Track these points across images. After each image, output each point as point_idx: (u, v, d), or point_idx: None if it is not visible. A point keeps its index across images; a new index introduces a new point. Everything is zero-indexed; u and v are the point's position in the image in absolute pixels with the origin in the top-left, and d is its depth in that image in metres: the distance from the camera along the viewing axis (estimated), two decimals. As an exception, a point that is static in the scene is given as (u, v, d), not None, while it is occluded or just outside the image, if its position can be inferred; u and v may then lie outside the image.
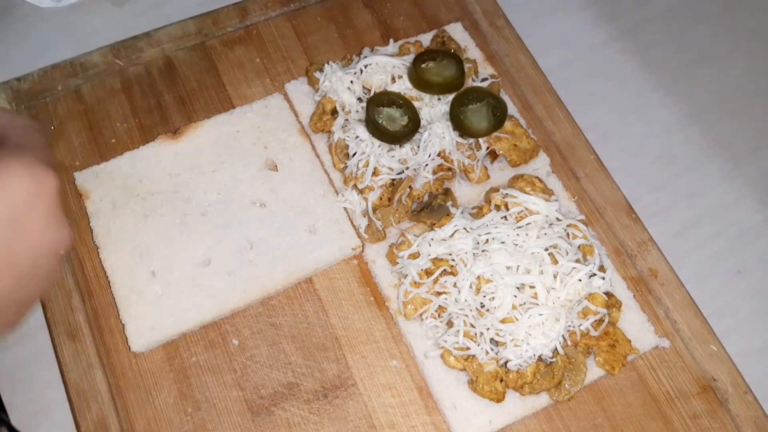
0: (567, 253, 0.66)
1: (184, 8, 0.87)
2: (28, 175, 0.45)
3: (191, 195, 0.73)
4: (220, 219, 0.72)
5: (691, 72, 0.90)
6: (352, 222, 0.73)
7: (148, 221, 0.71)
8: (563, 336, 0.64)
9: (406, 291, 0.67)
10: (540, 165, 0.77)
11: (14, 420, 0.65)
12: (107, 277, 0.69)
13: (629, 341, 0.67)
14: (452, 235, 0.67)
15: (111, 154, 0.75)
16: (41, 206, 0.46)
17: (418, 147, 0.72)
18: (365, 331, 0.69)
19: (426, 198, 0.72)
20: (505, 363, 0.64)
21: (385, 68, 0.76)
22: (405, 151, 0.72)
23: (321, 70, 0.78)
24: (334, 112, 0.76)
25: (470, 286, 0.64)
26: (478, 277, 0.64)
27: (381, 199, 0.71)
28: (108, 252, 0.70)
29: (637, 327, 0.69)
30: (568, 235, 0.68)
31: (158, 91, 0.80)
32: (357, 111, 0.75)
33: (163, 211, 0.72)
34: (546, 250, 0.66)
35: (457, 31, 0.84)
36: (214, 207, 0.72)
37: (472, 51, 0.83)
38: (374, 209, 0.71)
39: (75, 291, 0.70)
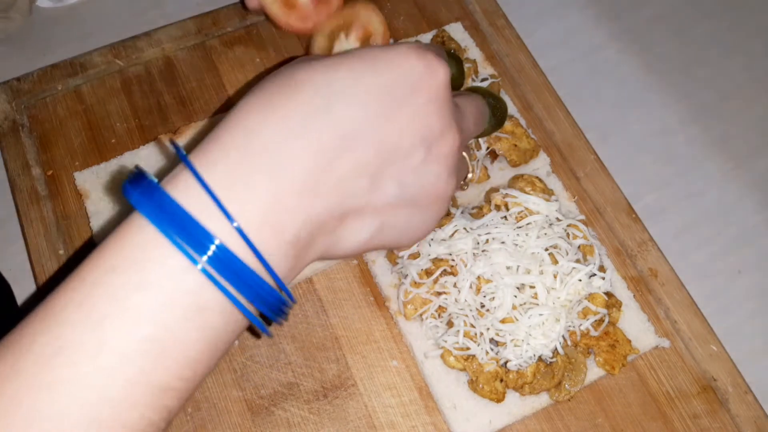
0: (567, 253, 0.66)
1: (184, 8, 0.87)
2: (417, 58, 0.42)
3: None
4: None
5: (691, 72, 0.90)
6: None
7: None
8: (563, 336, 0.64)
9: (406, 291, 0.67)
10: (540, 165, 0.77)
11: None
12: None
13: (629, 341, 0.67)
14: (452, 235, 0.67)
15: (111, 154, 0.75)
16: (425, 92, 0.42)
17: (418, 147, 0.72)
18: (365, 331, 0.69)
19: (426, 198, 0.72)
20: (505, 363, 0.64)
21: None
22: (405, 151, 0.72)
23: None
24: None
25: (470, 286, 0.64)
26: (478, 277, 0.64)
27: (381, 199, 0.71)
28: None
29: (637, 327, 0.69)
30: (568, 235, 0.68)
31: (158, 91, 0.80)
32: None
33: None
34: (546, 250, 0.66)
35: (457, 31, 0.84)
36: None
37: (472, 51, 0.83)
38: (374, 209, 0.71)
39: (75, 291, 0.70)
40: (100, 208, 0.72)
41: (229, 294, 0.36)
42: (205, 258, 0.35)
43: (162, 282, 0.35)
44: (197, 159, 0.38)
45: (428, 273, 0.66)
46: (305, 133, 0.39)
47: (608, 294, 0.68)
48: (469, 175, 0.57)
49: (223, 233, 0.36)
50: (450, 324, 0.65)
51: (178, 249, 0.35)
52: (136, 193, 0.37)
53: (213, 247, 0.35)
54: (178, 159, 0.38)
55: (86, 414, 0.33)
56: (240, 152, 0.38)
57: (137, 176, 0.38)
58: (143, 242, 0.36)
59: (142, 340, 0.34)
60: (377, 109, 0.41)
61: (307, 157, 0.38)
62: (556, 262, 0.65)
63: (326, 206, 0.40)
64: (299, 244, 0.39)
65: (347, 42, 0.72)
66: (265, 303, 0.38)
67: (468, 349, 0.63)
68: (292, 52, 0.83)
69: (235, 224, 0.36)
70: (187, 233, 0.35)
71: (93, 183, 0.73)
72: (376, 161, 0.41)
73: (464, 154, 0.53)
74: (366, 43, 0.71)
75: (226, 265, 0.36)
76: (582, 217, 0.73)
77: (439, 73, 0.43)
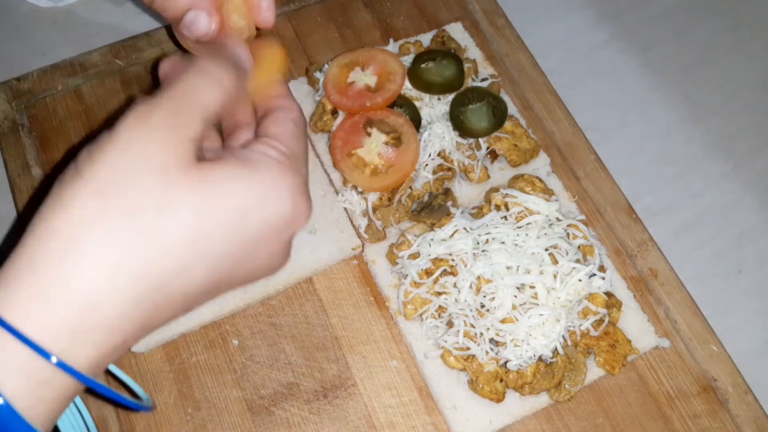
0: (567, 253, 0.66)
1: (184, 8, 0.87)
2: (290, 201, 0.42)
3: None
4: None
5: (691, 72, 0.89)
6: (352, 222, 0.73)
7: None
8: (563, 336, 0.64)
9: (406, 291, 0.67)
10: (540, 165, 0.77)
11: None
12: None
13: (629, 341, 0.67)
14: (452, 235, 0.67)
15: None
16: (284, 237, 0.44)
17: (418, 147, 0.72)
18: (365, 331, 0.69)
19: (426, 198, 0.72)
20: (505, 363, 0.64)
21: (385, 68, 0.76)
22: (405, 151, 0.72)
23: (321, 70, 0.78)
24: (335, 112, 0.76)
25: (470, 286, 0.64)
26: (478, 277, 0.64)
27: (381, 199, 0.71)
28: None
29: (637, 327, 0.69)
30: (568, 235, 0.68)
31: (158, 91, 0.80)
32: (357, 111, 0.75)
33: None
34: (546, 250, 0.66)
35: (457, 31, 0.84)
36: None
37: (472, 51, 0.83)
38: (374, 209, 0.71)
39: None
40: None
41: None
42: None
43: None
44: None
45: (428, 273, 0.66)
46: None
47: (608, 294, 0.67)
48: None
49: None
50: (450, 324, 0.65)
51: None
52: None
53: None
54: None
55: None
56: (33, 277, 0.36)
57: None
58: None
59: None
60: (236, 255, 0.41)
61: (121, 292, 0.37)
62: (556, 262, 0.65)
63: (144, 328, 0.39)
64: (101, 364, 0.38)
65: (363, 74, 0.74)
66: None
67: (468, 349, 0.63)
68: (293, 53, 0.83)
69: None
70: None
71: None
72: (206, 296, 0.42)
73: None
74: (385, 79, 0.73)
75: None
76: (582, 217, 0.73)
77: (302, 220, 0.44)
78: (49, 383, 0.35)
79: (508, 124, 0.75)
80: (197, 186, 0.38)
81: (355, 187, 0.72)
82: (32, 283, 0.35)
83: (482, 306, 0.64)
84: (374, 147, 0.70)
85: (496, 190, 0.72)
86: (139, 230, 0.36)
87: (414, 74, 0.75)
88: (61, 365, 0.35)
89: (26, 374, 0.35)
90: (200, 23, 0.54)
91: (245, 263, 0.42)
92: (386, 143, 0.70)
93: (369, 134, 0.71)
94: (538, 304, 0.63)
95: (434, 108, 0.74)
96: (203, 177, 0.39)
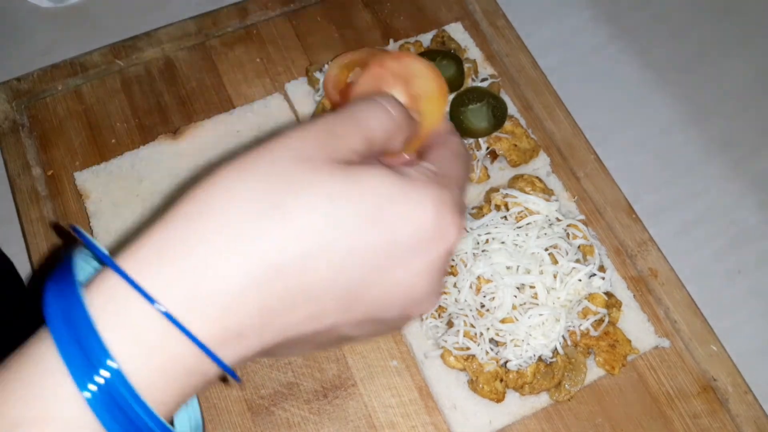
0: (567, 253, 0.66)
1: (184, 8, 0.87)
2: (433, 212, 0.38)
3: None
4: None
5: (691, 72, 0.90)
6: None
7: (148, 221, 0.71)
8: (563, 336, 0.64)
9: (406, 291, 0.66)
10: (540, 165, 0.77)
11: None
12: None
13: (629, 341, 0.67)
14: (452, 235, 0.67)
15: (111, 154, 0.76)
16: (427, 255, 0.38)
17: (418, 147, 0.72)
18: (365, 331, 0.69)
19: (426, 198, 0.72)
20: (505, 363, 0.64)
21: (385, 68, 0.76)
22: (405, 151, 0.72)
23: (321, 70, 0.78)
24: (334, 112, 0.75)
25: (470, 286, 0.64)
26: (478, 277, 0.64)
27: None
28: (108, 252, 0.70)
29: (637, 327, 0.69)
30: (568, 235, 0.68)
31: (158, 91, 0.80)
32: (357, 111, 0.75)
33: (163, 212, 0.72)
34: (546, 250, 0.66)
35: (457, 31, 0.84)
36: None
37: (472, 51, 0.83)
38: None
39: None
40: (100, 207, 0.72)
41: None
42: (89, 391, 0.31)
43: (34, 403, 0.31)
44: (125, 258, 0.34)
45: (428, 273, 0.66)
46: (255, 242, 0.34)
47: (608, 294, 0.68)
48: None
49: (124, 350, 0.32)
50: (450, 324, 0.65)
51: (68, 371, 0.31)
52: (51, 290, 0.33)
53: (103, 378, 0.31)
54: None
55: None
56: (174, 257, 0.34)
57: (65, 264, 0.33)
58: (36, 353, 0.32)
59: None
60: (371, 261, 0.37)
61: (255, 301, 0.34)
62: (556, 262, 0.65)
63: (260, 344, 0.35)
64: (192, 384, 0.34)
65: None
66: None
67: (468, 349, 0.63)
68: (293, 53, 0.83)
69: (163, 312, 0.32)
70: (83, 351, 0.31)
71: (93, 183, 0.73)
72: (336, 314, 0.37)
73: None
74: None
75: (113, 400, 0.31)
76: (582, 217, 0.73)
77: (449, 238, 0.39)
78: (174, 362, 0.33)
79: (508, 124, 0.75)
80: (339, 175, 0.36)
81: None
82: (172, 260, 0.34)
83: (482, 306, 0.64)
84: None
85: (496, 190, 0.72)
86: (273, 210, 0.34)
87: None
88: (200, 345, 0.32)
89: (149, 348, 0.32)
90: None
91: (379, 274, 0.37)
92: None
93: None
94: (538, 304, 0.63)
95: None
96: (347, 170, 0.37)
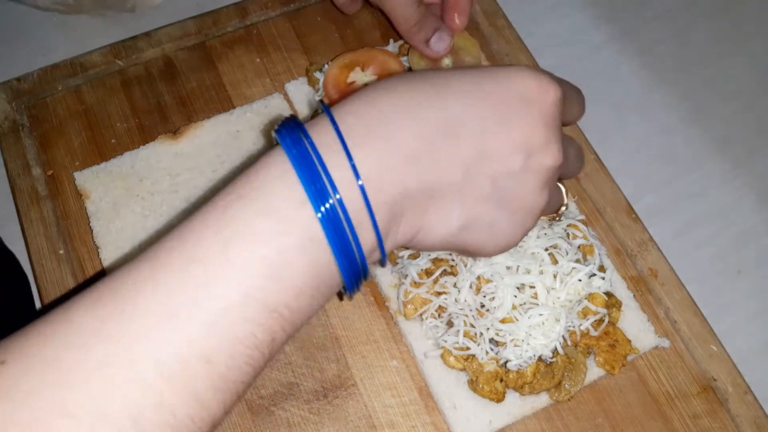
0: (567, 253, 0.66)
1: (184, 8, 0.87)
2: (533, 78, 0.46)
3: (191, 195, 0.73)
4: None
5: (691, 72, 0.90)
6: None
7: (149, 221, 0.71)
8: (563, 336, 0.64)
9: (406, 291, 0.67)
10: (540, 165, 0.77)
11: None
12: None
13: (629, 341, 0.67)
14: (452, 235, 0.67)
15: (111, 154, 0.76)
16: (536, 108, 0.45)
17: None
18: (365, 331, 0.69)
19: (426, 198, 0.72)
20: (505, 363, 0.64)
21: (385, 68, 0.76)
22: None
23: (321, 70, 0.78)
24: (334, 112, 0.76)
25: (470, 286, 0.64)
26: (478, 278, 0.64)
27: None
28: (108, 252, 0.70)
29: (637, 327, 0.69)
30: (568, 235, 0.68)
31: (158, 91, 0.80)
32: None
33: (164, 212, 0.72)
34: (546, 250, 0.66)
35: (457, 31, 0.84)
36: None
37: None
38: (374, 209, 0.71)
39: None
40: (100, 207, 0.72)
41: (333, 242, 0.40)
42: (323, 208, 0.39)
43: (283, 213, 0.39)
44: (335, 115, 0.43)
45: (428, 273, 0.66)
46: (416, 112, 0.43)
47: (608, 294, 0.68)
48: (563, 208, 0.61)
49: (344, 185, 0.40)
50: (450, 324, 0.65)
51: (305, 190, 0.39)
52: (284, 131, 0.41)
53: (332, 201, 0.39)
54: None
55: (204, 319, 0.37)
56: (360, 119, 0.42)
57: (289, 119, 0.42)
58: (276, 174, 0.40)
59: (260, 259, 0.38)
60: (487, 112, 0.44)
61: (414, 132, 0.42)
62: (556, 262, 0.65)
63: (422, 180, 0.43)
64: (393, 210, 0.42)
65: (363, 74, 0.74)
66: (351, 267, 0.41)
67: (468, 349, 0.63)
68: (293, 53, 0.83)
69: (360, 182, 0.40)
70: (316, 178, 0.39)
71: (93, 183, 0.73)
72: (475, 155, 0.44)
73: (560, 185, 0.57)
74: (385, 78, 0.73)
75: (337, 221, 0.40)
76: (582, 217, 0.73)
77: (551, 93, 0.46)
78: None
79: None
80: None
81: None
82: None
83: (482, 306, 0.64)
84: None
85: (496, 190, 0.72)
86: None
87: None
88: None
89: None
90: (445, 43, 0.75)
91: (496, 116, 0.45)
92: None
93: None
94: (538, 304, 0.63)
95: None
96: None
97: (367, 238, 0.42)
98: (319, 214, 0.39)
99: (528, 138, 0.45)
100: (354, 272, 0.42)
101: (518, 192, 0.46)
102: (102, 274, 0.70)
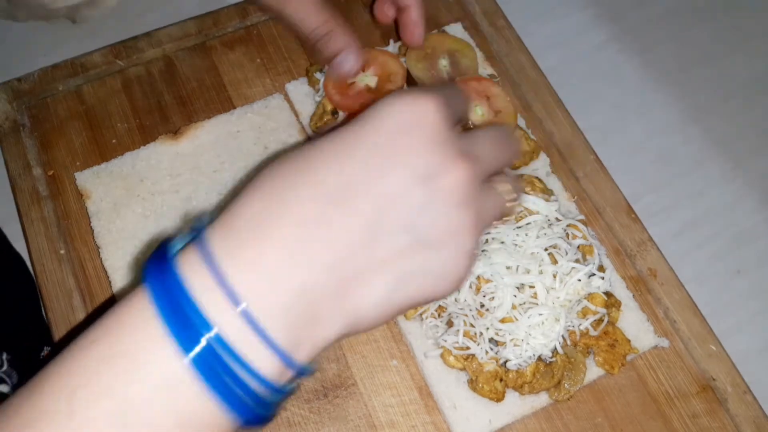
0: (566, 253, 0.66)
1: (184, 8, 0.87)
2: (403, 103, 0.41)
3: (192, 196, 0.73)
4: None
5: (691, 72, 0.90)
6: None
7: (150, 222, 0.71)
8: (563, 336, 0.65)
9: (406, 291, 0.67)
10: (539, 165, 0.77)
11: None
12: (108, 278, 0.69)
13: (629, 341, 0.67)
14: (452, 235, 0.67)
15: (112, 154, 0.76)
16: (415, 134, 0.40)
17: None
18: (365, 330, 0.69)
19: (426, 198, 0.73)
20: (505, 363, 0.64)
21: (385, 68, 0.76)
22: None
23: (321, 71, 0.78)
24: (335, 112, 0.76)
25: (470, 286, 0.64)
26: (478, 277, 0.64)
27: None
28: (109, 252, 0.70)
29: (636, 327, 0.69)
30: (567, 235, 0.68)
31: (159, 92, 0.80)
32: (357, 111, 0.75)
33: (165, 212, 0.72)
34: (546, 250, 0.66)
35: (457, 32, 0.84)
36: (215, 208, 0.72)
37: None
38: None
39: (76, 291, 0.70)
40: (100, 208, 0.72)
41: (212, 387, 0.35)
42: (196, 345, 0.35)
43: (134, 357, 0.35)
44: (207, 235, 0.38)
45: (428, 273, 0.66)
46: (290, 196, 0.38)
47: (607, 294, 0.68)
48: (513, 204, 0.50)
49: (221, 312, 0.35)
50: (450, 324, 0.66)
51: (168, 327, 0.35)
52: (150, 261, 0.37)
53: (208, 336, 0.35)
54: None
55: None
56: (232, 230, 0.38)
57: (160, 245, 0.38)
58: (135, 313, 0.36)
59: (104, 413, 0.35)
60: (366, 160, 0.40)
61: (294, 219, 0.38)
62: (555, 262, 0.65)
63: (321, 265, 0.38)
64: (300, 313, 0.37)
65: (364, 75, 0.75)
66: (247, 406, 0.36)
67: (468, 348, 0.64)
68: (293, 53, 0.83)
69: (241, 307, 0.35)
70: (179, 313, 0.35)
71: (94, 183, 0.73)
72: (372, 210, 0.39)
73: (501, 182, 0.48)
74: (385, 80, 0.74)
75: (213, 357, 0.35)
76: (581, 217, 0.73)
77: (427, 108, 0.41)
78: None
79: (507, 125, 0.75)
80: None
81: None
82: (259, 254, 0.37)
83: (482, 306, 0.64)
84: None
85: (495, 190, 0.72)
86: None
87: (413, 80, 0.75)
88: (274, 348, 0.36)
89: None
90: (349, 64, 0.71)
91: (377, 159, 0.40)
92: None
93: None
94: (537, 304, 0.64)
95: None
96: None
97: (266, 361, 0.36)
98: (189, 354, 0.34)
99: (419, 166, 0.40)
100: (250, 408, 0.36)
101: (436, 223, 0.40)
102: (103, 274, 0.70)
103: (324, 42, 0.70)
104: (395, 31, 0.78)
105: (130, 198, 0.72)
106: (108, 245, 0.70)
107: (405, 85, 0.75)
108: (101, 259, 0.70)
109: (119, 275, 0.69)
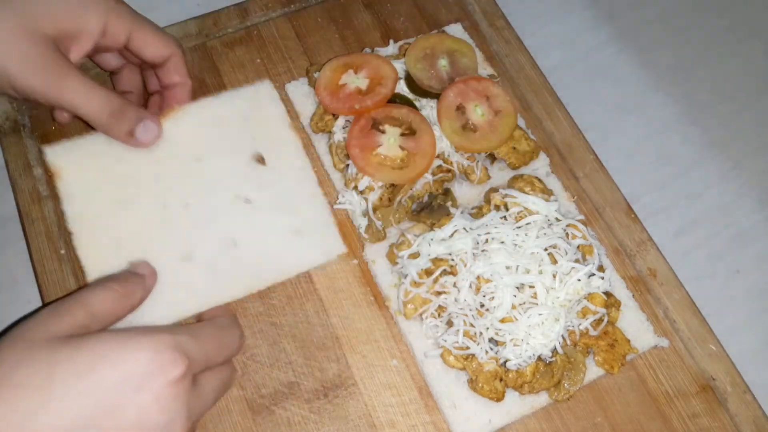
0: (566, 253, 0.66)
1: (185, 9, 0.87)
2: (150, 352, 0.45)
3: (172, 184, 0.69)
4: (203, 212, 0.69)
5: (691, 72, 0.90)
6: (338, 225, 0.71)
7: (126, 208, 0.68)
8: (563, 336, 0.65)
9: (406, 291, 0.67)
10: (539, 165, 0.77)
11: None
12: (81, 266, 0.66)
13: (628, 341, 0.67)
14: (452, 235, 0.67)
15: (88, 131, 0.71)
16: (152, 390, 0.45)
17: (418, 147, 0.72)
18: (365, 330, 0.69)
19: (426, 198, 0.73)
20: (505, 362, 0.64)
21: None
22: (405, 151, 0.72)
23: (321, 71, 0.78)
24: (335, 113, 0.76)
25: (470, 286, 0.64)
26: (478, 277, 0.64)
27: (381, 199, 0.71)
28: (81, 238, 0.66)
29: (636, 326, 0.69)
30: (567, 235, 0.69)
31: (159, 92, 0.80)
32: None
33: (142, 200, 0.68)
34: (545, 250, 0.66)
35: (457, 32, 0.84)
36: (196, 199, 0.69)
37: (471, 51, 0.83)
38: (374, 209, 0.71)
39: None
40: (73, 190, 0.68)
41: None
42: None
43: None
44: None
45: (428, 273, 0.66)
46: None
47: (607, 294, 0.68)
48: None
49: None
50: (450, 323, 0.66)
51: None
52: None
53: None
54: None
55: None
56: None
57: None
58: None
59: None
60: (99, 407, 0.43)
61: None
62: (555, 261, 0.65)
63: None
64: None
65: (356, 77, 0.74)
66: None
67: (468, 348, 0.64)
68: (293, 53, 0.84)
69: None
70: None
71: (65, 160, 0.68)
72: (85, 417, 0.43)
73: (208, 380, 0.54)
74: (377, 83, 0.73)
75: None
76: (581, 217, 0.73)
77: (170, 371, 0.45)
78: None
79: (507, 125, 0.75)
80: (57, 345, 0.46)
81: (356, 188, 0.72)
82: None
83: (482, 306, 0.64)
84: (393, 141, 0.71)
85: (495, 190, 0.72)
86: None
87: (412, 80, 0.75)
88: None
89: None
90: (152, 133, 0.68)
91: (109, 415, 0.44)
92: (402, 134, 0.71)
93: (382, 131, 0.71)
94: (537, 304, 0.64)
95: (434, 109, 0.74)
96: (67, 340, 0.46)
97: None
98: None
99: (142, 422, 0.45)
100: None
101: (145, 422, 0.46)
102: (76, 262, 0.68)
103: (115, 121, 0.66)
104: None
105: (104, 181, 0.68)
106: (80, 231, 0.66)
107: (395, 89, 0.74)
108: (74, 245, 0.66)
109: (93, 264, 0.65)
